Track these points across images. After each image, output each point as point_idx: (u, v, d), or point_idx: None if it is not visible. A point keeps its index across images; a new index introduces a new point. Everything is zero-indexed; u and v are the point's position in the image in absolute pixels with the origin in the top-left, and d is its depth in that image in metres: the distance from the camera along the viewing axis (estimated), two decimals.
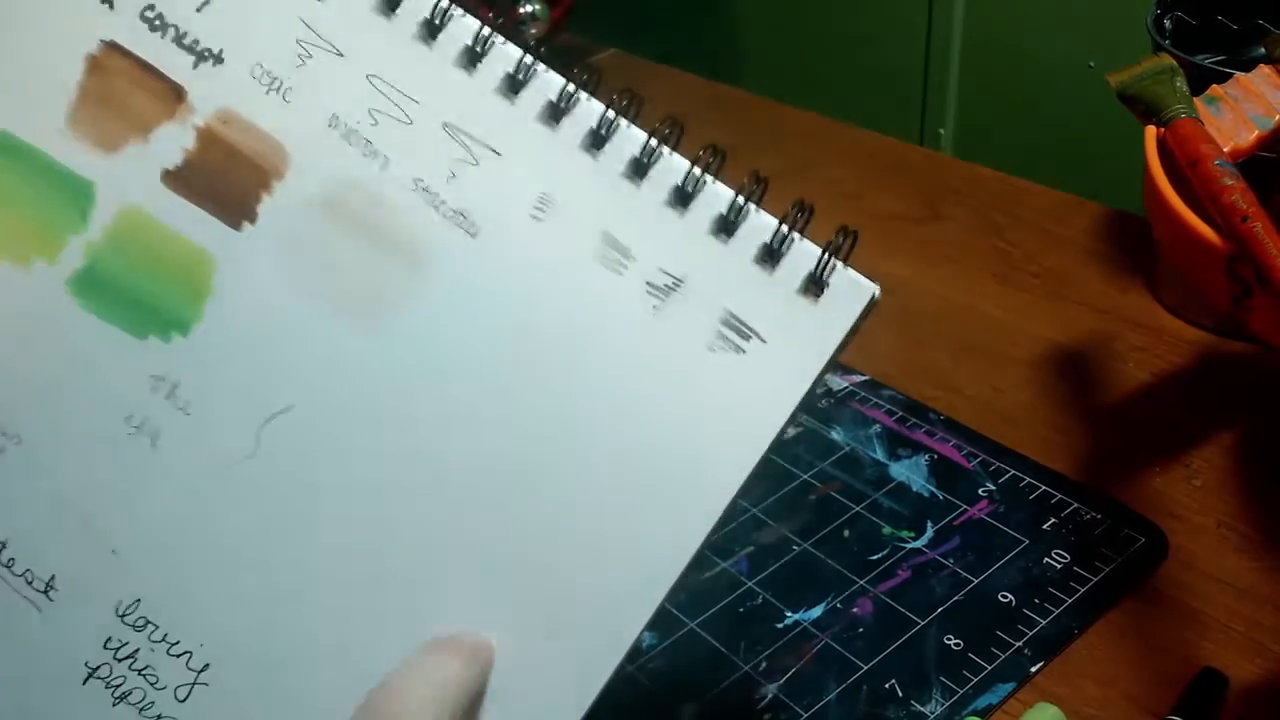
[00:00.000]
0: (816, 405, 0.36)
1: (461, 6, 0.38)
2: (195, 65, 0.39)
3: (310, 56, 0.38)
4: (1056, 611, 0.50)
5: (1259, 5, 0.61)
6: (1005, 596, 0.51)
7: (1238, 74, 0.48)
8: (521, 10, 0.89)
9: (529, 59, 0.37)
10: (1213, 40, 0.62)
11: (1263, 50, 0.50)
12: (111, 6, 0.39)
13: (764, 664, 0.49)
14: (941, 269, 0.73)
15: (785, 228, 0.36)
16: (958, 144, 1.05)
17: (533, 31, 0.90)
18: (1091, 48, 0.90)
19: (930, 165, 0.83)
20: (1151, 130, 0.46)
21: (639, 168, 0.37)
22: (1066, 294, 0.69)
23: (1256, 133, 0.46)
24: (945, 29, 1.00)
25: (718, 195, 0.36)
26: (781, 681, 0.48)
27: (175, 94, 0.39)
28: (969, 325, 0.68)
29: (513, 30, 0.38)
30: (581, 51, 1.02)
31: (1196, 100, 0.46)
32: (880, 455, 0.59)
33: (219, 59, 0.39)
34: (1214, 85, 0.48)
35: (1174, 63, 0.48)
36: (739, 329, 0.36)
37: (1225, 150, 0.44)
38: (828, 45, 1.11)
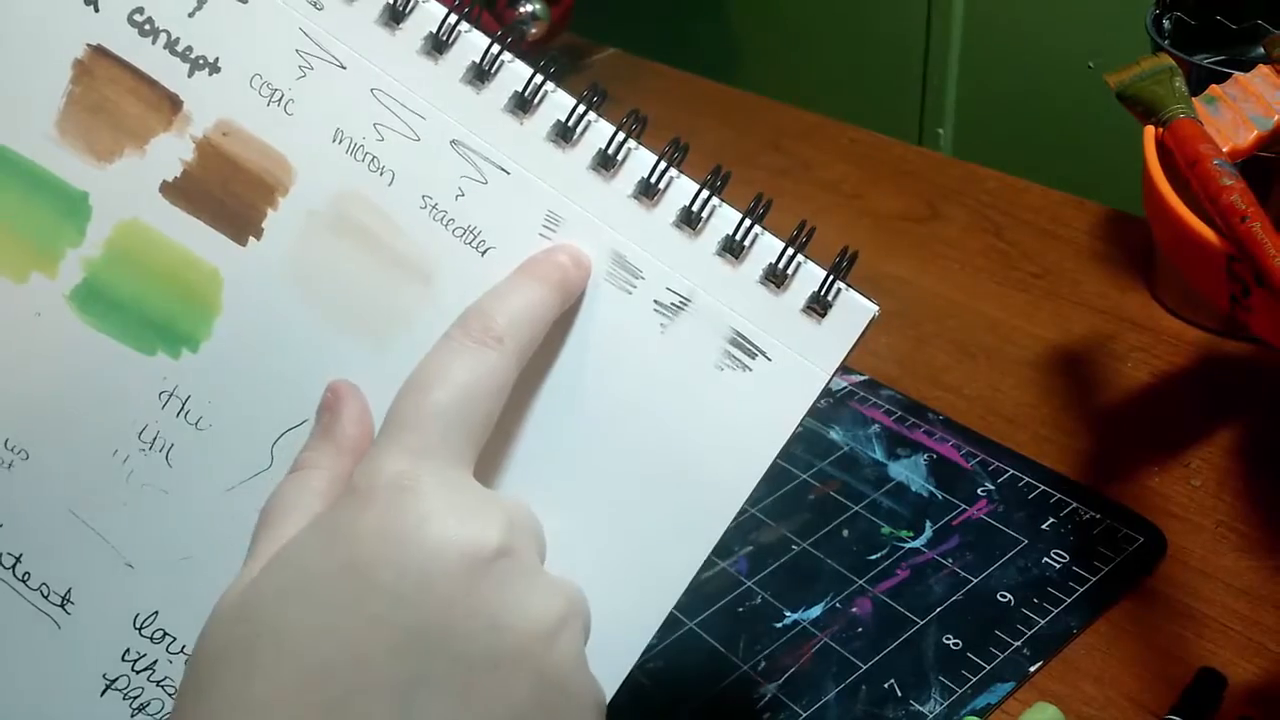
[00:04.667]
0: (816, 405, 0.36)
1: (463, 8, 0.38)
2: (191, 73, 0.37)
3: (311, 68, 0.37)
4: (1055, 611, 0.50)
5: (1258, 5, 0.61)
6: (1004, 596, 0.51)
7: (1237, 74, 0.48)
8: (521, 10, 0.89)
9: (539, 78, 0.37)
10: (1212, 40, 0.62)
11: (1262, 50, 0.50)
12: (96, 8, 0.37)
13: (763, 663, 0.49)
14: (941, 269, 0.73)
15: (790, 249, 0.36)
16: (957, 144, 1.05)
17: (533, 31, 0.89)
18: (1091, 48, 0.90)
19: (930, 165, 0.83)
20: (1150, 130, 0.46)
21: (648, 188, 0.36)
22: (1066, 294, 0.69)
23: (1255, 133, 0.46)
24: (945, 29, 1.00)
25: (725, 217, 0.36)
26: (780, 681, 0.48)
27: (171, 103, 0.38)
28: (968, 325, 0.68)
29: (520, 44, 0.37)
30: (581, 51, 1.02)
31: (1195, 100, 0.46)
32: (879, 455, 0.59)
33: (215, 67, 0.37)
34: (1213, 85, 0.48)
35: (1173, 63, 0.48)
36: (746, 348, 0.36)
37: (1224, 150, 0.44)
38: (827, 45, 1.11)
